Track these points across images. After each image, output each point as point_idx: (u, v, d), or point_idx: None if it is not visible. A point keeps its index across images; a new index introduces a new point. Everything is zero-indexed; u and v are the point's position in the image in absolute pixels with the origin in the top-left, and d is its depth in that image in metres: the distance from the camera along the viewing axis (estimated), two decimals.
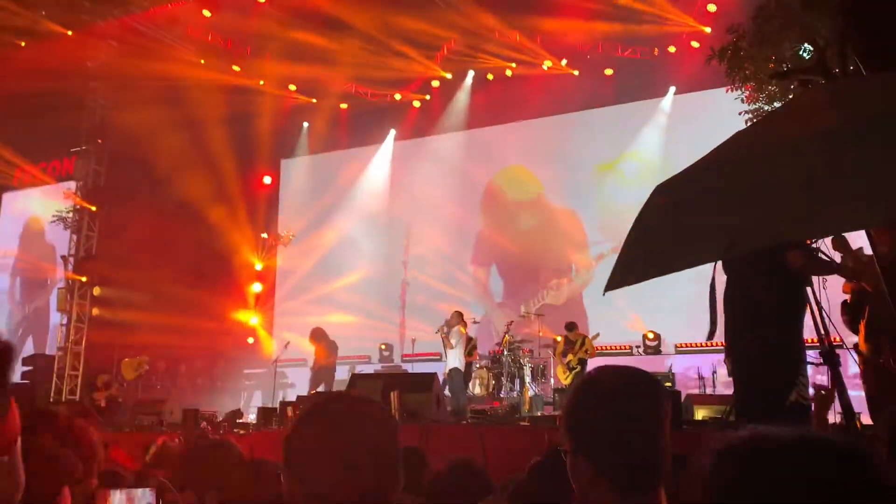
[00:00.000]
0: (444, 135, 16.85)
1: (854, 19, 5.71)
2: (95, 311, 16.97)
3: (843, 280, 5.67)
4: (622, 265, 2.62)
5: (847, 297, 5.66)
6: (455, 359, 11.99)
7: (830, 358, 4.39)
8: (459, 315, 12.34)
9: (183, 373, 16.01)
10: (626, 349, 14.06)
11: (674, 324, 13.51)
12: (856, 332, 5.47)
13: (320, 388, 12.56)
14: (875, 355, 5.15)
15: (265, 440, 8.53)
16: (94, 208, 17.05)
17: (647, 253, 2.64)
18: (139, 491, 2.31)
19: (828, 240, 4.75)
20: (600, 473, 1.75)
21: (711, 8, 13.35)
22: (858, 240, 6.14)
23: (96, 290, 17.04)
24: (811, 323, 4.49)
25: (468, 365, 12.53)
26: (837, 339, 4.73)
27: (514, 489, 2.86)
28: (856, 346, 5.43)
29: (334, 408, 1.75)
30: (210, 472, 2.81)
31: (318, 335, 13.08)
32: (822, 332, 4.36)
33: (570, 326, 12.47)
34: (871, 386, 5.24)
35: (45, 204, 18.76)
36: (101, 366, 15.43)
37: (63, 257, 17.53)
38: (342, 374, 12.75)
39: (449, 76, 16.52)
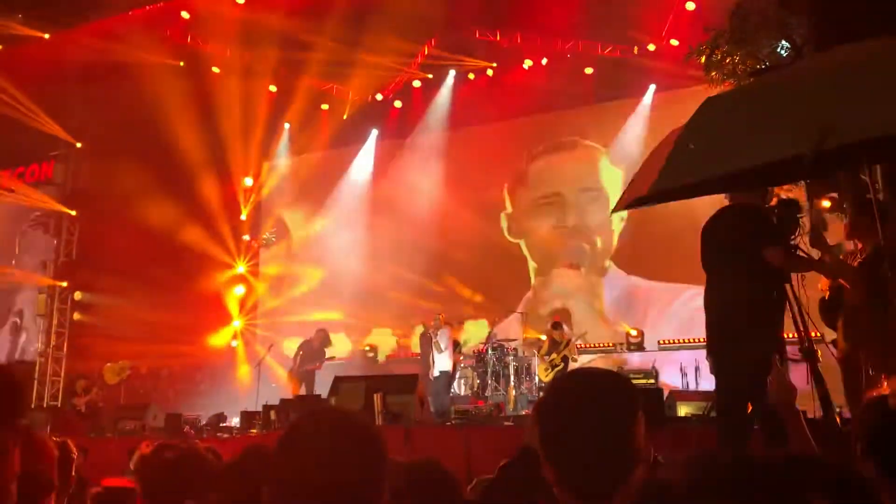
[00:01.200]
0: (427, 134, 16.83)
1: (824, 17, 5.77)
2: (77, 316, 16.85)
3: (821, 277, 5.71)
4: (670, 169, 2.50)
5: (825, 293, 5.70)
6: (445, 362, 12.00)
7: (810, 354, 4.43)
8: (442, 318, 12.36)
9: (165, 377, 15.93)
10: (609, 346, 14.10)
11: (657, 320, 13.60)
12: (834, 328, 5.52)
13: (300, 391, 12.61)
14: (853, 353, 5.19)
15: (248, 444, 8.49)
16: (73, 212, 16.90)
17: (708, 150, 2.53)
18: None
19: (806, 237, 4.78)
20: (561, 479, 1.75)
21: (690, 6, 13.41)
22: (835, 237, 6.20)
23: (77, 295, 16.92)
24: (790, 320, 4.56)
25: (454, 365, 12.55)
26: (817, 334, 4.77)
27: (483, 490, 2.86)
28: (834, 342, 5.47)
29: (318, 431, 1.73)
30: (178, 484, 2.79)
31: (305, 341, 13.14)
32: (802, 328, 4.40)
33: (556, 326, 12.48)
34: (849, 382, 5.28)
35: (22, 208, 18.57)
36: (83, 371, 15.33)
37: (43, 262, 17.40)
38: (326, 376, 12.68)
39: (430, 76, 16.51)
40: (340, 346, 15.63)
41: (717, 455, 1.14)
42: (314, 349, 13.04)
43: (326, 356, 13.02)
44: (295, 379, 12.91)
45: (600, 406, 1.76)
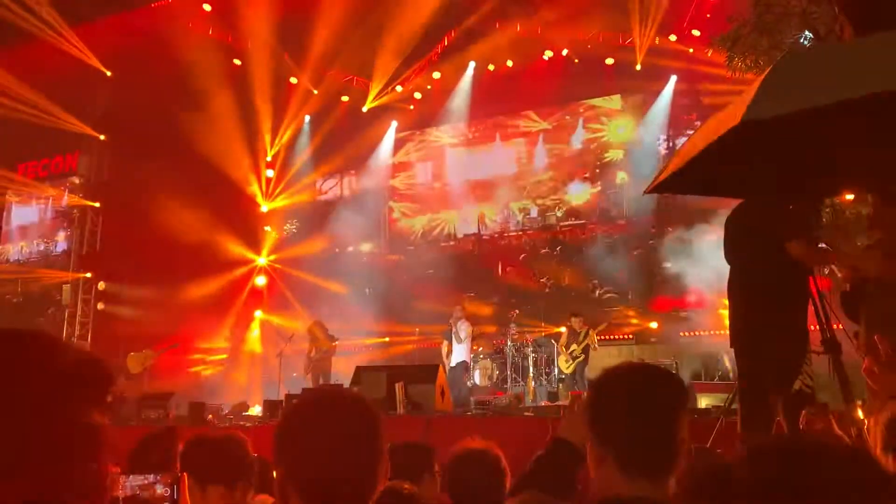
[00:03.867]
0: (447, 126, 16.86)
1: (847, 6, 5.71)
2: (101, 306, 17.04)
3: (842, 269, 5.68)
4: (769, 91, 2.49)
5: (847, 285, 5.67)
6: (463, 352, 12.05)
7: (832, 346, 4.43)
8: (463, 308, 12.41)
9: (188, 366, 16.07)
10: (629, 338, 14.08)
11: (677, 312, 13.57)
12: (856, 320, 5.49)
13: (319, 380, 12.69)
14: (875, 346, 5.16)
15: (271, 433, 8.57)
16: (97, 204, 17.07)
17: (815, 75, 2.55)
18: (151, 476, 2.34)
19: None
20: (613, 455, 1.86)
21: None
22: None
23: (101, 285, 17.11)
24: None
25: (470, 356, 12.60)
26: (839, 326, 4.76)
27: (516, 482, 2.89)
28: (856, 334, 5.45)
29: (317, 403, 1.84)
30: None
31: (314, 328, 13.20)
32: (824, 320, 4.40)
33: (575, 315, 12.46)
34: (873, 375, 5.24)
35: (47, 200, 18.80)
36: (107, 360, 15.47)
37: (67, 253, 17.60)
38: (347, 366, 12.75)
39: (449, 67, 16.51)
40: (364, 335, 15.75)
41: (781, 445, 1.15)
42: (320, 339, 13.14)
43: (335, 341, 13.09)
44: (311, 372, 13.01)
45: (654, 393, 1.91)
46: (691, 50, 14.05)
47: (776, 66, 2.56)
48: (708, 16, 13.52)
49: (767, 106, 2.49)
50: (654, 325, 13.96)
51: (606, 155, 15.70)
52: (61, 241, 18.63)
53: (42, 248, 19.19)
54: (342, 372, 12.61)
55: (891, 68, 2.38)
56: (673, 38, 14.31)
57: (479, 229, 16.64)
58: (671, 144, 14.79)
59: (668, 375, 2.02)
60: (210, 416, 10.84)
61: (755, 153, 3.22)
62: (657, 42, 14.36)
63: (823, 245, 4.59)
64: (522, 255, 15.89)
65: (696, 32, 13.87)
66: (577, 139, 16.00)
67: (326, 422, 1.74)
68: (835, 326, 4.58)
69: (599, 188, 15.68)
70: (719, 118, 3.04)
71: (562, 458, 2.13)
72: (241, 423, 10.59)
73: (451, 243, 16.82)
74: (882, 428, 2.18)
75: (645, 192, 3.74)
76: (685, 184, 3.60)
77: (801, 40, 8.62)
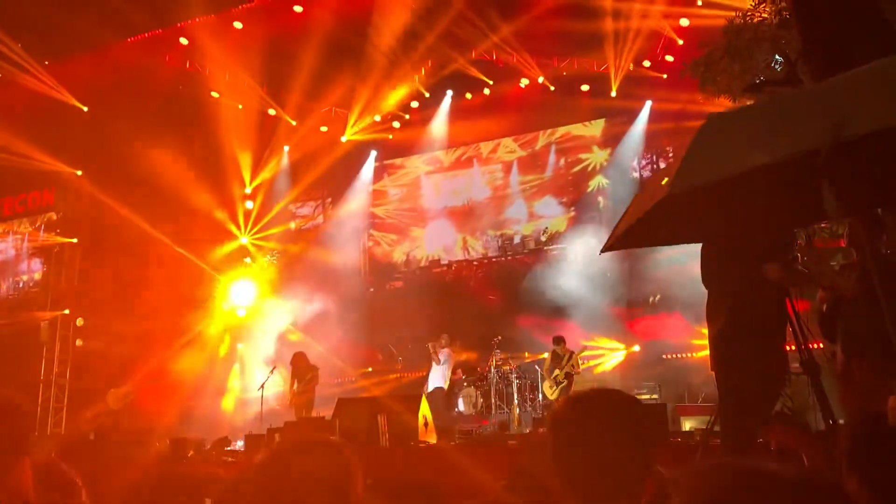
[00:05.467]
0: (425, 154, 16.94)
1: (802, 25, 5.83)
2: (79, 343, 16.85)
3: (819, 289, 5.73)
4: (691, 164, 2.55)
5: (823, 305, 5.72)
6: (440, 377, 12.00)
7: (811, 367, 4.45)
8: (449, 338, 12.40)
9: (169, 400, 15.88)
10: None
11: (659, 336, 13.60)
12: (833, 340, 5.53)
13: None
14: (850, 364, 5.21)
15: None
16: (74, 240, 16.94)
17: (727, 147, 2.61)
18: None
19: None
20: (575, 489, 1.84)
21: (684, 22, 13.51)
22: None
23: (79, 321, 16.93)
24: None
25: (452, 383, 12.54)
26: (818, 346, 4.79)
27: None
28: (834, 355, 5.48)
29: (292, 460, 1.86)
30: None
31: (296, 361, 13.13)
32: (802, 341, 4.43)
33: (558, 340, 12.45)
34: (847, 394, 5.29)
35: (23, 237, 18.64)
36: (87, 397, 15.33)
37: (45, 289, 17.43)
38: (329, 397, 12.65)
39: (427, 95, 16.62)
40: (343, 367, 15.68)
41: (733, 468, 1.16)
42: (301, 371, 13.06)
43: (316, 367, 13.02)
44: (295, 405, 12.91)
45: (614, 424, 1.87)
46: (665, 76, 14.25)
47: (700, 131, 2.63)
48: (681, 42, 13.73)
49: (691, 177, 2.56)
50: (636, 348, 13.99)
51: (585, 181, 15.80)
52: (38, 277, 18.45)
53: (20, 284, 18.99)
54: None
55: (815, 126, 2.46)
56: (647, 63, 14.50)
57: (461, 255, 16.67)
58: (654, 166, 14.96)
59: (630, 402, 1.98)
60: (191, 452, 10.72)
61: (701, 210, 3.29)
62: (632, 68, 14.54)
63: (799, 266, 4.63)
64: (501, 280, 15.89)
65: (669, 58, 14.07)
66: (554, 165, 16.09)
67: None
68: (813, 347, 4.60)
69: (574, 212, 15.75)
70: (661, 176, 3.11)
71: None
72: (224, 457, 10.47)
73: (434, 270, 16.81)
74: (846, 447, 2.19)
75: (601, 251, 3.77)
76: (639, 238, 3.64)
77: (773, 65, 8.77)
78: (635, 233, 3.18)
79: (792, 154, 2.46)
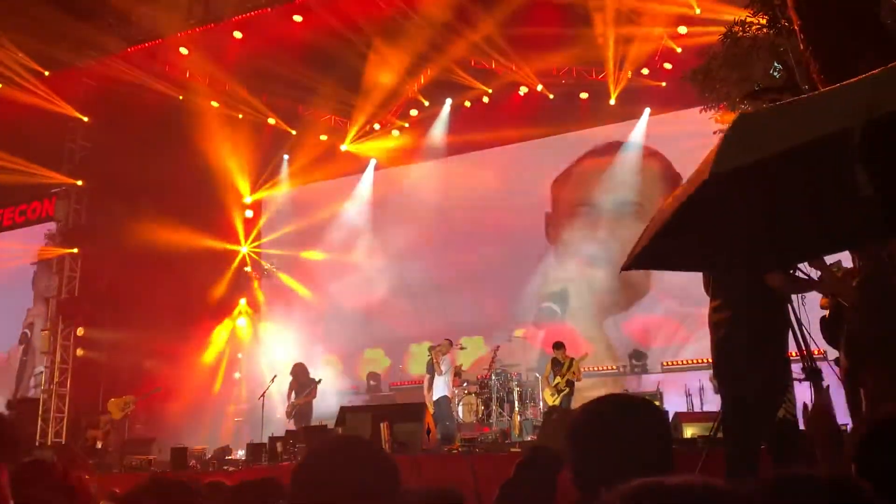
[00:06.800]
0: (425, 163, 16.96)
1: (805, 32, 5.88)
2: (80, 352, 16.83)
3: (820, 296, 5.76)
4: (729, 150, 2.65)
5: (825, 312, 5.75)
6: (444, 386, 12.00)
7: (813, 374, 4.47)
8: (449, 343, 12.38)
9: (170, 410, 15.88)
10: (613, 369, 14.10)
11: (660, 342, 13.63)
12: (836, 347, 5.55)
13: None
14: (854, 370, 5.23)
15: (255, 477, 8.46)
16: (75, 250, 16.94)
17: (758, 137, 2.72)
18: None
19: None
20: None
21: (682, 30, 13.56)
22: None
23: (80, 331, 16.90)
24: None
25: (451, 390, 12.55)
26: (819, 351, 4.81)
27: (502, 488, 2.93)
28: (836, 361, 5.50)
29: (336, 451, 1.85)
30: None
31: (296, 371, 13.16)
32: (804, 348, 4.45)
33: (557, 346, 12.43)
34: (852, 400, 5.31)
35: (25, 246, 18.63)
36: (88, 407, 15.32)
37: (46, 299, 17.43)
38: (332, 406, 12.66)
39: (426, 104, 16.66)
40: (345, 376, 15.72)
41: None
42: (301, 382, 13.09)
43: (317, 380, 13.05)
44: (292, 415, 12.94)
45: (633, 429, 1.91)
46: (664, 84, 14.29)
47: (733, 126, 2.72)
48: (679, 50, 13.79)
49: (729, 161, 2.64)
50: (637, 354, 13.99)
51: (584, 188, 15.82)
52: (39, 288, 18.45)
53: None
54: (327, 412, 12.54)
55: (836, 115, 2.53)
56: (645, 71, 14.55)
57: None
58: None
59: (647, 406, 2.02)
60: (193, 461, 10.73)
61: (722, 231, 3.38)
62: (630, 76, 14.59)
63: (801, 273, 4.64)
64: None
65: (667, 66, 14.13)
66: (554, 172, 16.10)
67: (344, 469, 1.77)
68: (817, 352, 4.62)
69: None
70: (682, 189, 3.16)
71: (541, 462, 2.17)
72: (225, 467, 10.48)
73: (433, 276, 16.80)
74: (855, 453, 2.21)
75: (622, 269, 3.80)
76: (660, 260, 3.70)
77: (772, 72, 8.81)
78: (657, 251, 3.23)
79: (828, 134, 2.52)
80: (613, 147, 15.33)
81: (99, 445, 13.04)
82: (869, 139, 2.36)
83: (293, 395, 13.01)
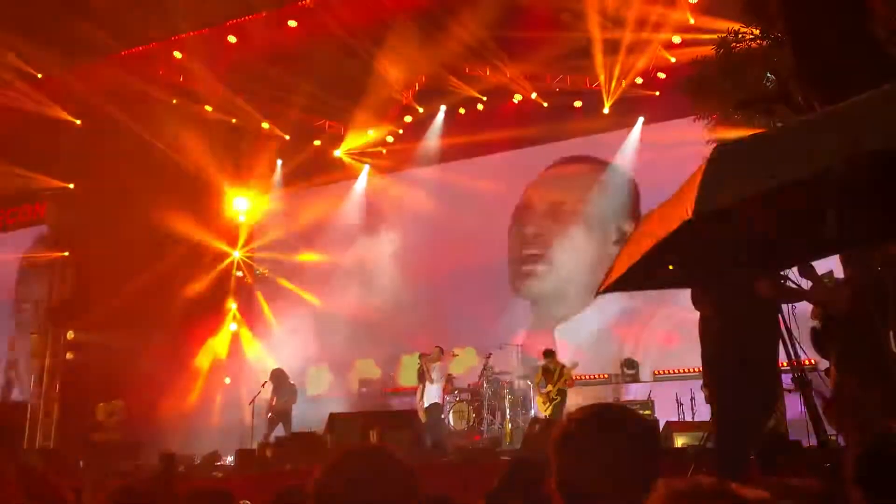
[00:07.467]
0: (418, 169, 16.93)
1: (798, 46, 5.90)
2: (70, 356, 16.72)
3: (812, 306, 5.75)
4: (710, 190, 2.61)
5: (816, 323, 5.74)
6: (435, 394, 11.96)
7: (803, 384, 4.46)
8: (440, 351, 12.35)
9: (159, 415, 15.79)
10: (604, 378, 14.06)
11: (651, 351, 13.61)
12: (827, 357, 5.55)
13: (277, 431, 12.58)
14: (845, 381, 5.23)
15: (245, 484, 8.41)
16: (66, 253, 16.86)
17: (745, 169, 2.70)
18: None
19: (795, 268, 4.83)
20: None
21: (676, 39, 13.60)
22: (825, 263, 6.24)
23: (70, 335, 16.81)
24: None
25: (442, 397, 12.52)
26: (809, 361, 4.81)
27: (486, 497, 2.93)
28: (827, 371, 5.50)
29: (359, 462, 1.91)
30: None
31: (276, 376, 13.16)
32: (794, 358, 4.44)
33: (548, 353, 12.42)
34: (842, 410, 5.30)
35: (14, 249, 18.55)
36: (77, 411, 15.22)
37: (36, 303, 17.34)
38: (321, 413, 12.59)
39: (421, 110, 16.65)
40: (335, 382, 15.67)
41: None
42: (283, 387, 13.11)
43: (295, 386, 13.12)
44: (274, 418, 12.96)
45: (618, 440, 1.89)
46: (657, 93, 14.32)
47: (711, 159, 2.71)
48: (673, 60, 13.81)
49: (711, 201, 2.63)
50: (628, 363, 13.96)
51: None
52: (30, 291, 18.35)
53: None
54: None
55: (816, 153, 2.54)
56: (639, 80, 14.56)
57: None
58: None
59: (632, 416, 2.01)
60: (181, 467, 10.65)
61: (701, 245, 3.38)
62: (623, 85, 14.60)
63: (791, 283, 4.64)
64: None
65: (661, 75, 14.16)
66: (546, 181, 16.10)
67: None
68: (808, 362, 4.62)
69: None
70: (660, 214, 3.15)
71: (524, 473, 2.16)
72: (214, 472, 10.43)
73: (427, 285, 16.75)
74: (852, 462, 2.21)
75: (596, 294, 3.85)
76: (637, 281, 3.71)
77: (765, 82, 8.83)
78: (633, 275, 3.24)
79: (811, 173, 2.52)
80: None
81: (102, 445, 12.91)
82: (851, 176, 2.38)
83: (274, 399, 13.07)
